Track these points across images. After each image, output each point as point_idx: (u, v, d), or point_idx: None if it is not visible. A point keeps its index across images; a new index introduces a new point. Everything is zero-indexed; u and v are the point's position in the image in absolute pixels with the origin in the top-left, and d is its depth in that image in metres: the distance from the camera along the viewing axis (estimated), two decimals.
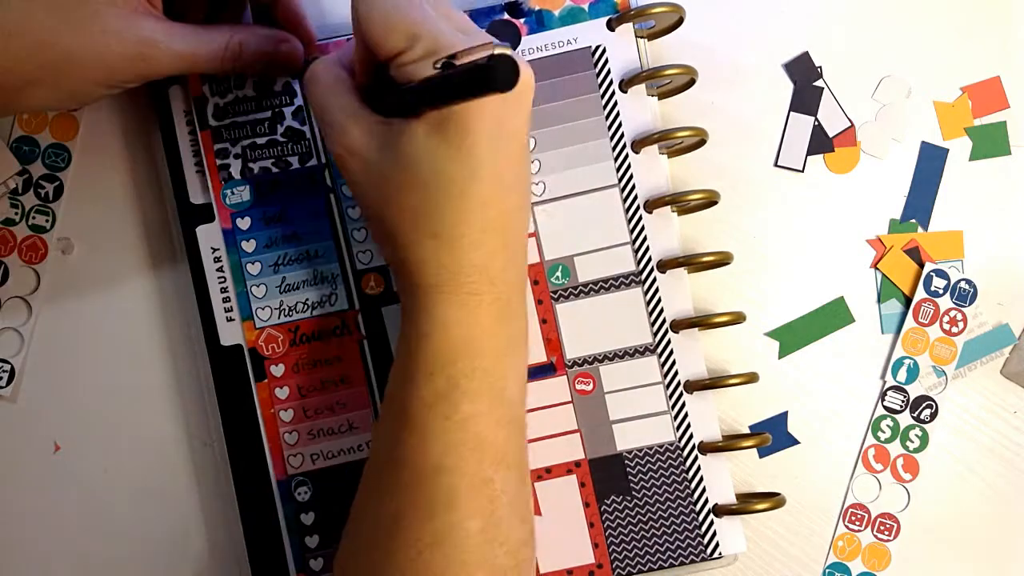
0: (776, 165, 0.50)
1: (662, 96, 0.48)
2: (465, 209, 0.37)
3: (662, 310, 0.47)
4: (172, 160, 0.47)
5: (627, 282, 0.47)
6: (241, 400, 0.46)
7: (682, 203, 0.47)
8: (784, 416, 0.50)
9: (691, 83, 0.47)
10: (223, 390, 0.47)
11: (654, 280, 0.47)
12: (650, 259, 0.47)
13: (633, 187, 0.47)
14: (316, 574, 0.46)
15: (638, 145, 0.47)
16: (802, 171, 0.50)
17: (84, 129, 0.49)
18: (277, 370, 0.46)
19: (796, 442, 0.50)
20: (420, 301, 0.39)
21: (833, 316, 0.50)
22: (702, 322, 0.47)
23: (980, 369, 0.50)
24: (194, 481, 0.48)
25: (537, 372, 0.47)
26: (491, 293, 0.39)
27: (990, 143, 0.51)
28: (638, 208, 0.47)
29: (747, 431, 0.49)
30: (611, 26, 0.47)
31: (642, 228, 0.47)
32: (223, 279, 0.47)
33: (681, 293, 0.47)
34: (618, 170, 0.47)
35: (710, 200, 0.47)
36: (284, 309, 0.47)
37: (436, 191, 0.37)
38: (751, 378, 0.47)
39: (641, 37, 0.48)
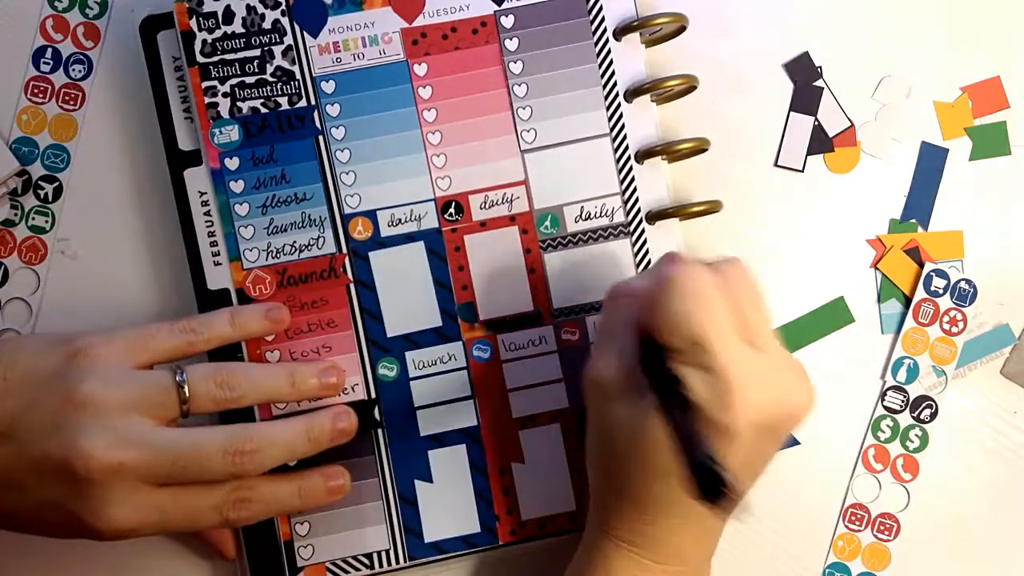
0: (776, 165, 0.50)
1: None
2: (676, 500, 0.37)
3: (650, 261, 0.47)
4: (161, 106, 0.47)
5: (616, 233, 0.47)
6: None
7: (673, 152, 0.47)
8: None
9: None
10: None
11: (643, 232, 0.47)
12: (639, 210, 0.47)
13: (624, 136, 0.47)
14: (298, 513, 0.46)
15: (631, 95, 0.47)
16: (802, 171, 0.50)
17: (84, 130, 0.49)
18: None
19: (796, 442, 0.50)
20: (612, 556, 0.39)
21: (833, 316, 0.50)
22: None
23: (980, 369, 0.50)
24: None
25: (523, 321, 0.47)
26: (682, 571, 0.39)
27: (990, 143, 0.51)
28: (629, 158, 0.47)
29: None
30: None
31: (632, 178, 0.47)
32: (210, 222, 0.46)
33: (670, 245, 0.47)
34: (610, 119, 0.47)
35: (699, 148, 0.47)
36: (272, 251, 0.46)
37: (657, 476, 0.37)
38: None
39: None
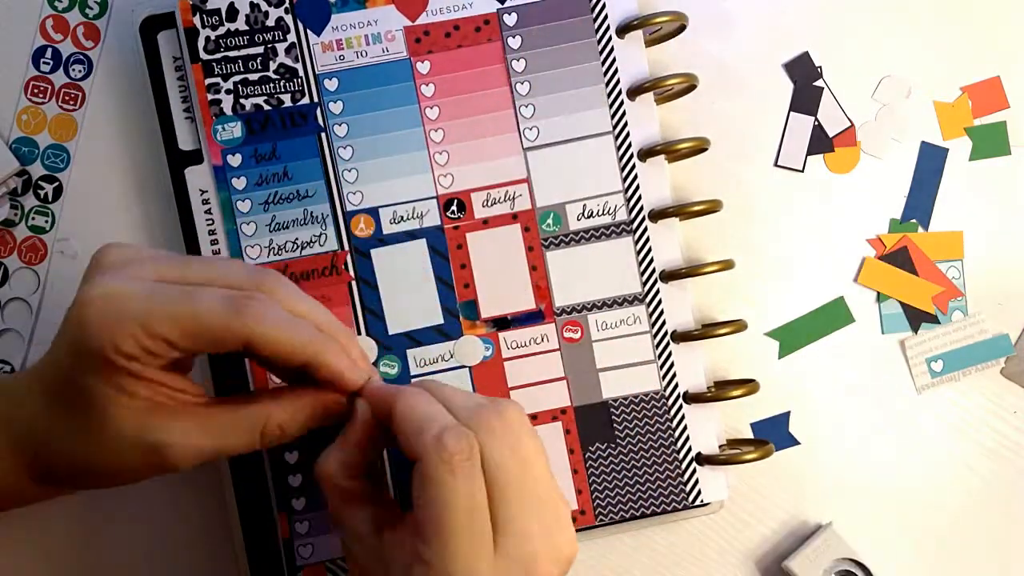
0: (776, 165, 0.50)
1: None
2: None
3: (652, 260, 0.47)
4: (161, 106, 0.47)
5: (618, 231, 0.47)
6: None
7: (673, 152, 0.47)
8: (786, 416, 0.50)
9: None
10: None
11: (645, 229, 0.47)
12: (642, 208, 0.47)
13: (627, 134, 0.47)
14: (298, 513, 0.46)
15: (633, 93, 0.47)
16: (802, 171, 0.50)
17: (84, 130, 0.49)
18: None
19: (797, 442, 0.50)
20: None
21: (833, 316, 0.50)
22: (692, 272, 0.47)
23: (980, 370, 0.50)
24: None
25: (526, 319, 0.47)
26: None
27: (990, 143, 0.51)
28: (631, 156, 0.47)
29: (748, 431, 0.49)
30: None
31: (635, 176, 0.47)
32: (211, 220, 0.46)
33: (671, 243, 0.47)
34: (613, 117, 0.47)
35: (700, 147, 0.47)
36: (274, 248, 0.46)
37: None
38: (739, 327, 0.47)
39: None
